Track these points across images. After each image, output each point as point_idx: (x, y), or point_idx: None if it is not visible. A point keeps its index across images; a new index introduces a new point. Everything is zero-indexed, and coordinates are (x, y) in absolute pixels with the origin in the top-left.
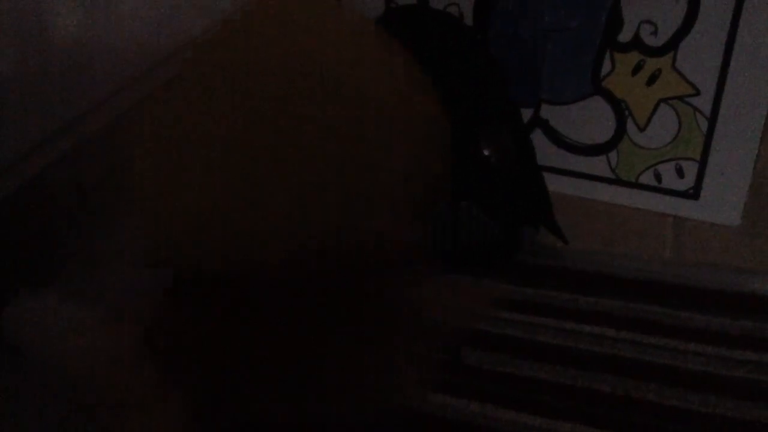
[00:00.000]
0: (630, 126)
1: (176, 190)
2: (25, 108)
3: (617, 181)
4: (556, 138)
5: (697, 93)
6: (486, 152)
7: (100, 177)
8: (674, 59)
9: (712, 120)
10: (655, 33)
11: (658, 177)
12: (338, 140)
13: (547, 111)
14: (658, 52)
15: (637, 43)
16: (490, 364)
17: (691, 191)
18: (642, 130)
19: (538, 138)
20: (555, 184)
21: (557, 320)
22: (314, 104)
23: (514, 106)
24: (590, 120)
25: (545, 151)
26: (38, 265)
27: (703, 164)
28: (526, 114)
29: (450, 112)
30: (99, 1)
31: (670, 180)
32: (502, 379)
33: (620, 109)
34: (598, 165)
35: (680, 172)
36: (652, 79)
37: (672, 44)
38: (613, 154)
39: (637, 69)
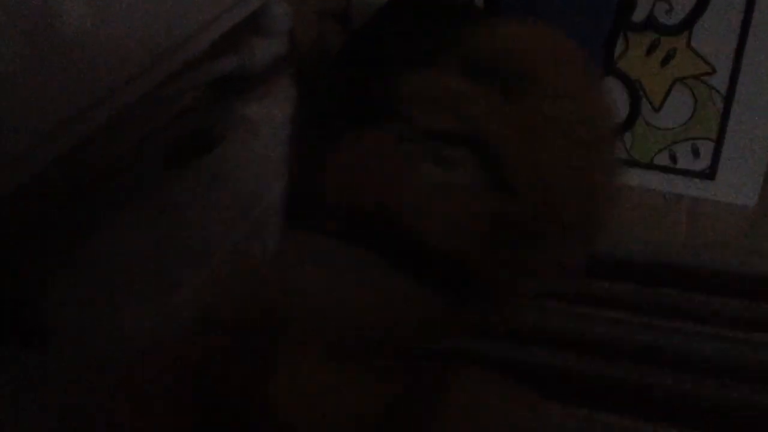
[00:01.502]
0: (644, 107)
1: None
2: (30, 101)
3: (632, 163)
4: None
5: (713, 72)
6: None
7: (105, 171)
8: (689, 38)
9: (728, 99)
10: (669, 12)
11: (673, 158)
12: None
13: None
14: (673, 31)
15: (651, 23)
16: (503, 351)
17: (707, 171)
18: (657, 110)
19: None
20: None
21: (570, 305)
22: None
23: None
24: None
25: None
26: (43, 256)
27: (719, 144)
28: None
29: None
30: None
31: (685, 160)
32: (516, 366)
33: (634, 90)
34: None
35: (696, 153)
36: (666, 59)
37: (687, 23)
38: (627, 136)
39: (651, 49)
